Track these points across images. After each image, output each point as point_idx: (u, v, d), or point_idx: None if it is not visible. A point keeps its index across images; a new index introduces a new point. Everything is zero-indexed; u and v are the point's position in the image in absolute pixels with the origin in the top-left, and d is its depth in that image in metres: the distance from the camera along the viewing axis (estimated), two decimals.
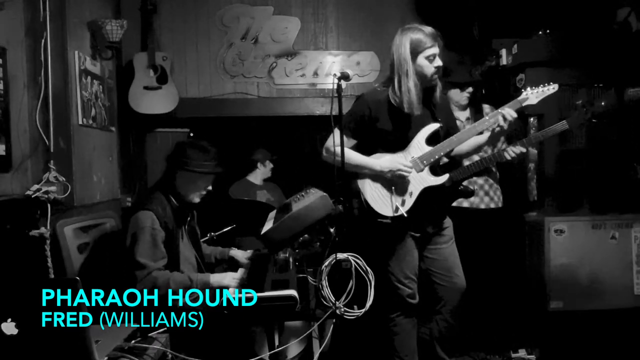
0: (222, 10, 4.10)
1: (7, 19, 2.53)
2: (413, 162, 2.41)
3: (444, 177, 2.45)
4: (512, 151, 2.55)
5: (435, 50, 2.35)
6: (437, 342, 2.64)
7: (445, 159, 2.65)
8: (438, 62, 2.36)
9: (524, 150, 2.55)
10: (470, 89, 3.26)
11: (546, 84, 2.45)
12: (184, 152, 2.34)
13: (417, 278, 2.54)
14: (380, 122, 2.42)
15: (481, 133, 2.49)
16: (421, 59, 2.34)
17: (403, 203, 2.41)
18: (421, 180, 2.42)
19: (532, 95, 2.44)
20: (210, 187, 2.42)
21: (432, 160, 2.42)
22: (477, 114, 3.26)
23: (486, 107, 3.32)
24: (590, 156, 3.38)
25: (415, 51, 2.34)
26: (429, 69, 2.36)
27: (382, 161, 2.42)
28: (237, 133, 4.43)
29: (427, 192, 2.43)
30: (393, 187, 2.42)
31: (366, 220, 2.46)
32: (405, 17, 4.14)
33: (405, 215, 2.39)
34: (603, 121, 2.97)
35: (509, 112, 2.37)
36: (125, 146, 3.93)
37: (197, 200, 2.40)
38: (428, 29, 2.36)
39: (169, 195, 2.34)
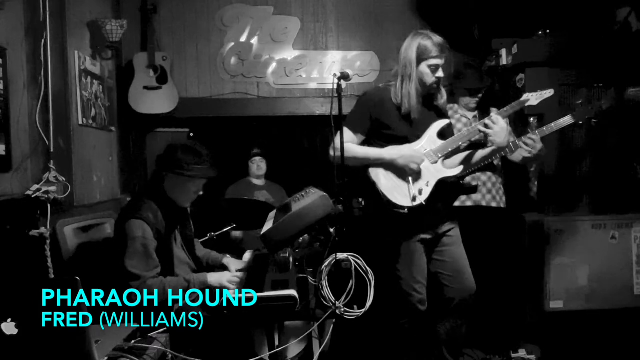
0: (222, 10, 4.10)
1: (7, 19, 2.52)
2: (427, 154, 2.43)
3: (459, 169, 2.46)
4: (523, 143, 2.49)
5: (440, 61, 2.36)
6: (443, 344, 2.62)
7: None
8: (440, 73, 2.38)
9: (534, 138, 2.51)
10: (481, 94, 3.27)
11: (544, 89, 2.52)
12: (174, 155, 2.24)
13: (427, 283, 2.52)
14: (383, 119, 2.43)
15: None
16: (424, 67, 2.37)
17: (420, 192, 2.40)
18: (436, 172, 2.43)
19: (532, 98, 2.50)
20: (201, 192, 2.32)
21: (445, 152, 2.44)
22: (484, 115, 3.26)
23: (494, 110, 3.31)
24: (590, 156, 3.38)
25: (420, 57, 2.36)
26: (430, 78, 2.38)
27: (390, 150, 2.42)
28: (237, 133, 4.43)
29: (439, 186, 2.43)
30: (410, 177, 2.41)
31: (380, 212, 2.42)
32: (405, 17, 4.14)
33: (424, 203, 2.37)
34: (603, 121, 2.97)
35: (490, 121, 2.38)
36: (125, 146, 3.93)
37: (187, 205, 2.32)
38: (438, 39, 2.37)
39: (159, 200, 2.26)
